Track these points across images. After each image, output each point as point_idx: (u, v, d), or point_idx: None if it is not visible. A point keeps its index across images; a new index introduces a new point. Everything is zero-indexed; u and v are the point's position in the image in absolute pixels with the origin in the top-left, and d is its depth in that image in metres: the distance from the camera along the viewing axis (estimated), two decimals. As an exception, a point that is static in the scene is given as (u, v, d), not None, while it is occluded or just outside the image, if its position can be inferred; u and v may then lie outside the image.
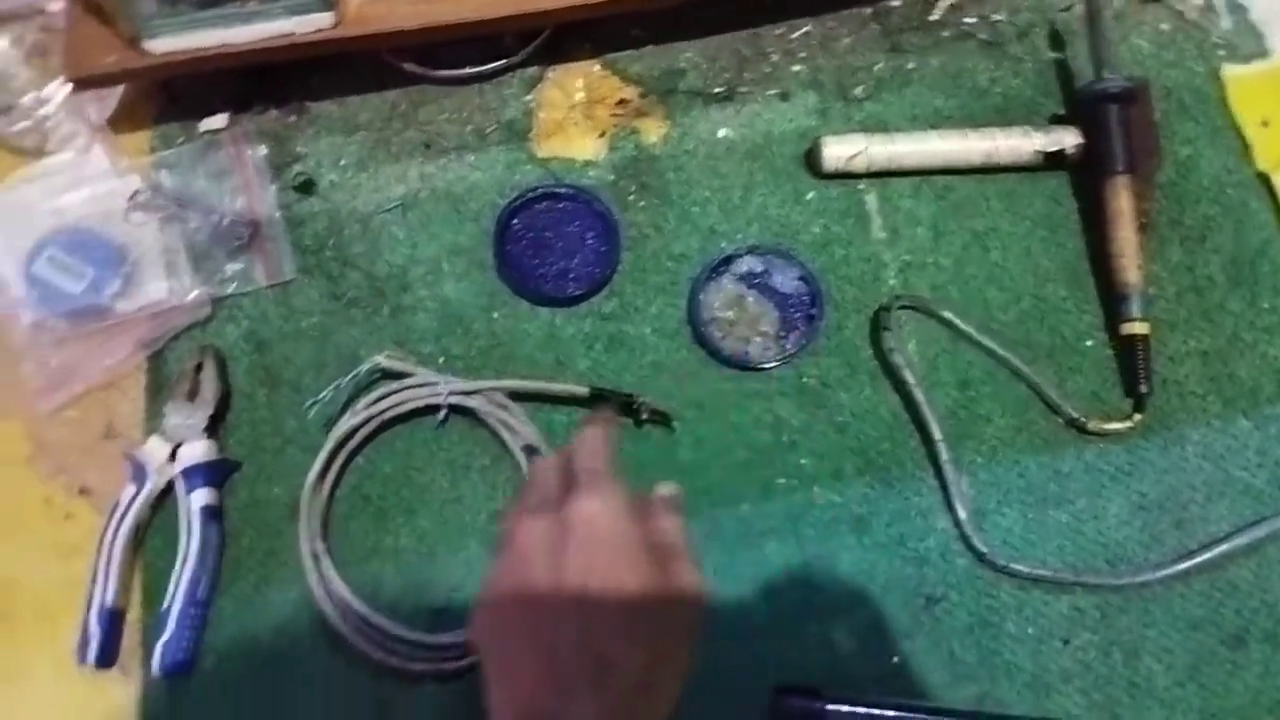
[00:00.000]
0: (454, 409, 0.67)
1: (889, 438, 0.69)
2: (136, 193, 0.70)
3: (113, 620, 0.62)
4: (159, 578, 0.64)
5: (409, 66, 0.75)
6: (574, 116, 0.76)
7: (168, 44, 0.68)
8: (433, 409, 0.67)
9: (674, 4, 0.73)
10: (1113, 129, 0.71)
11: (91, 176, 0.72)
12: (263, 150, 0.73)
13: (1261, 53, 0.77)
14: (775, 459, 0.69)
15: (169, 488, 0.65)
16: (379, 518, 0.67)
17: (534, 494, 0.50)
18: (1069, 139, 0.72)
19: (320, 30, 0.69)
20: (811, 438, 0.69)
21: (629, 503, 0.48)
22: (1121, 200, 0.70)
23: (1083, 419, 0.68)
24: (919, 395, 0.67)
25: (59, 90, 0.73)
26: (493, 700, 0.45)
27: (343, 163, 0.74)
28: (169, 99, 0.75)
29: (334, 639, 0.63)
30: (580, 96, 0.76)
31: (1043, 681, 0.64)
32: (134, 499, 0.63)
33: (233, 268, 0.70)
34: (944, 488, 0.67)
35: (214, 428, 0.67)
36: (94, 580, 0.63)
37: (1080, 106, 0.73)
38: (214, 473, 0.65)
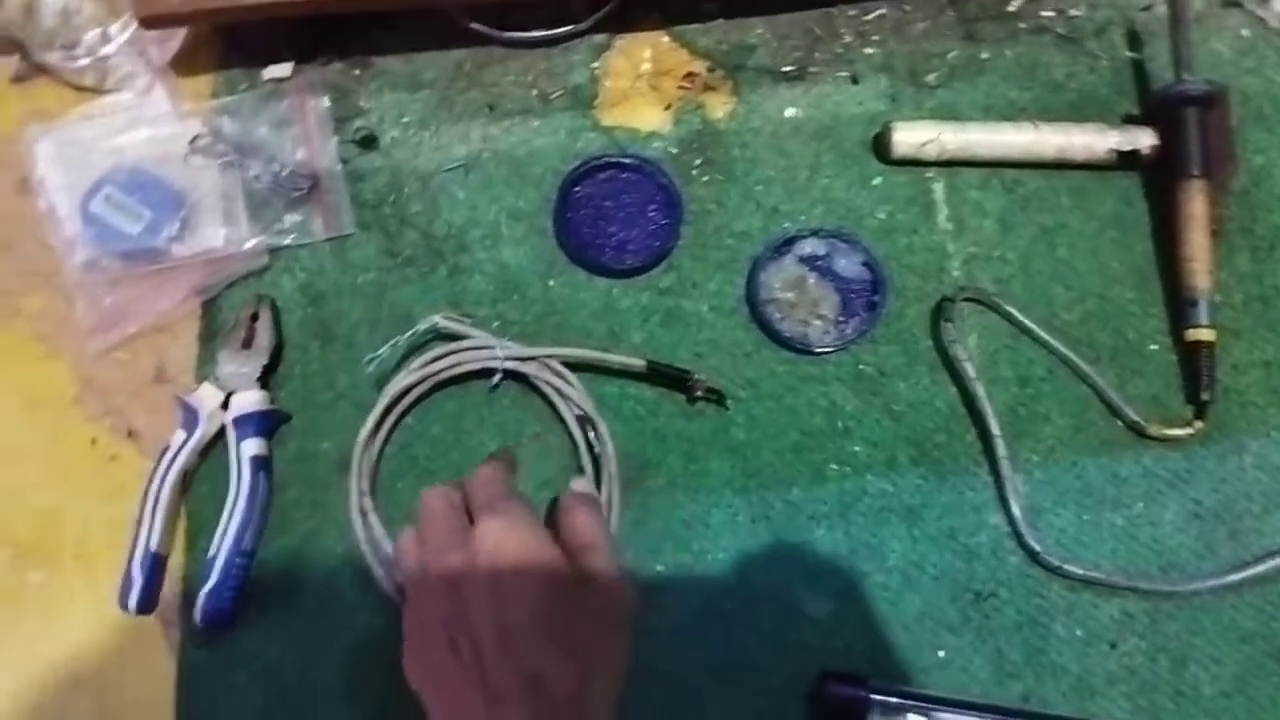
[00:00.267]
0: (508, 374, 0.66)
1: (945, 430, 0.68)
2: (197, 137, 0.69)
3: (155, 566, 0.62)
4: (203, 526, 0.64)
5: (476, 26, 0.74)
6: (640, 87, 0.74)
7: (239, -15, 0.67)
8: (487, 373, 0.66)
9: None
10: (1190, 132, 0.69)
11: (152, 118, 0.71)
12: (325, 102, 0.72)
13: (1343, 65, 0.76)
14: (828, 444, 0.68)
15: (217, 436, 0.65)
16: (426, 478, 0.66)
17: (433, 528, 0.50)
18: (1144, 139, 0.71)
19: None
20: (866, 425, 0.68)
21: (531, 517, 0.49)
22: (1195, 204, 0.69)
23: (1143, 423, 0.67)
24: (978, 389, 0.66)
25: (122, 29, 0.72)
26: (425, 708, 0.46)
27: (405, 119, 0.73)
28: (232, 45, 0.74)
29: (377, 597, 0.62)
30: (647, 67, 0.75)
31: (1088, 684, 0.64)
32: (184, 444, 0.63)
33: (291, 219, 0.69)
34: (999, 484, 0.66)
35: (266, 378, 0.66)
36: (138, 524, 0.62)
37: (1158, 107, 0.72)
38: (265, 423, 0.64)
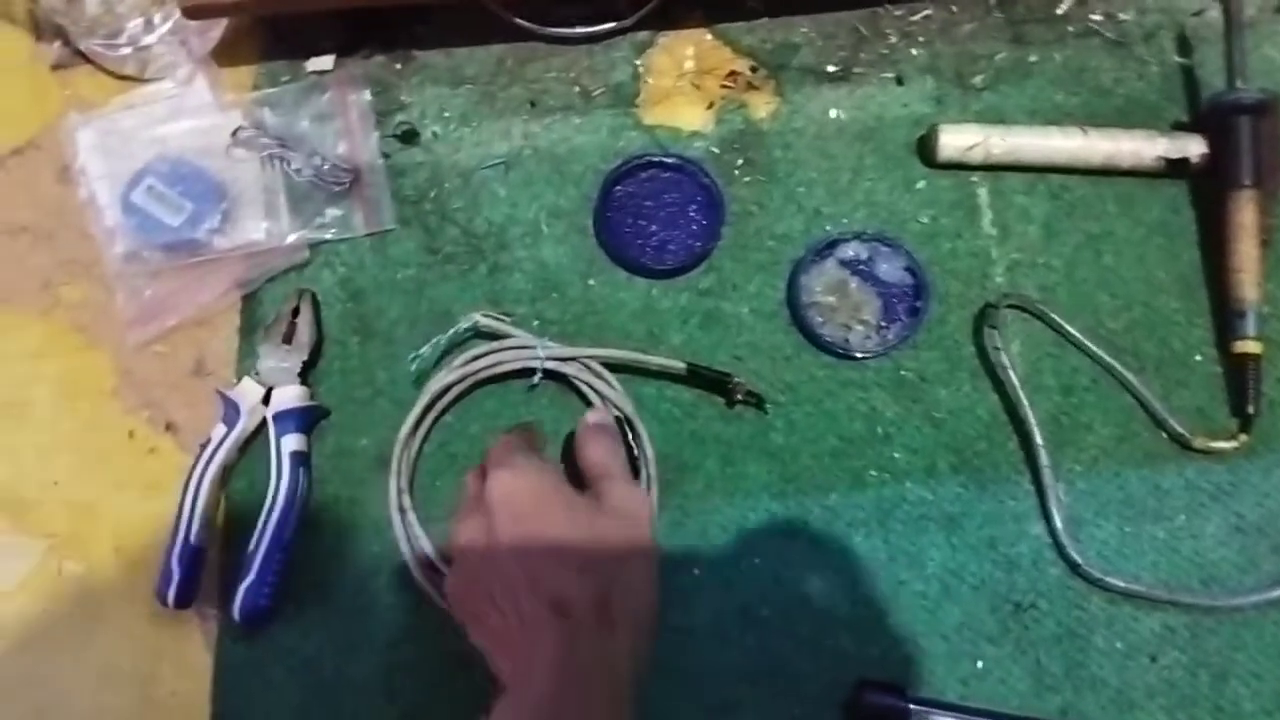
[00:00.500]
0: (547, 374, 0.66)
1: (986, 438, 0.67)
2: (239, 129, 0.69)
3: (194, 560, 0.62)
4: (242, 520, 0.64)
5: (519, 21, 0.73)
6: (682, 85, 0.74)
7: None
8: (526, 372, 0.66)
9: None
10: (1242, 141, 0.68)
11: (193, 108, 0.71)
12: (367, 96, 0.72)
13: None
14: (868, 450, 0.67)
15: (256, 430, 0.64)
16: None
17: (463, 502, 0.55)
18: (1194, 147, 0.70)
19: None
20: (906, 432, 0.68)
21: (538, 463, 0.54)
22: (1245, 214, 0.68)
23: (1187, 435, 0.66)
24: (1021, 397, 0.66)
25: (165, 18, 0.71)
26: (493, 669, 0.51)
27: (447, 114, 0.72)
28: (274, 37, 0.74)
29: (414, 594, 0.62)
30: (690, 65, 0.74)
31: (1127, 698, 0.63)
32: (225, 438, 0.62)
33: (332, 213, 0.69)
34: (1040, 494, 0.66)
35: (305, 373, 0.66)
36: (178, 518, 0.62)
37: (1208, 115, 0.71)
38: (305, 418, 0.64)
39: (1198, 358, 0.69)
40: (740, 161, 0.72)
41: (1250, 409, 0.66)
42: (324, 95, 0.71)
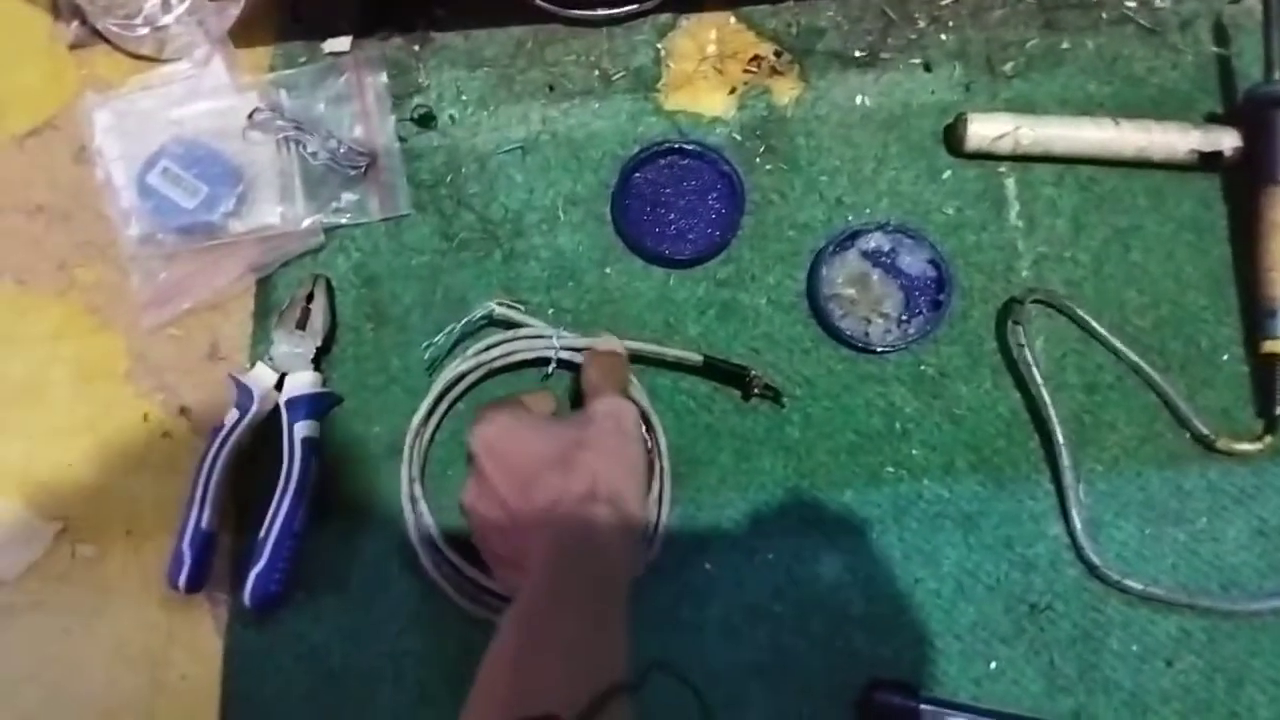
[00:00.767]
0: (561, 363, 0.65)
1: (1006, 435, 0.66)
2: (256, 111, 0.68)
3: (206, 545, 0.62)
4: (253, 506, 0.64)
5: (540, 2, 0.72)
6: (704, 70, 0.72)
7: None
8: (541, 361, 0.65)
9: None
10: (1278, 136, 0.66)
11: (209, 90, 0.70)
12: (384, 78, 0.71)
13: None
14: (885, 447, 0.66)
15: (269, 416, 0.64)
16: (477, 467, 0.65)
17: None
18: (1228, 140, 0.68)
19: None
20: (925, 428, 0.67)
21: (515, 407, 0.58)
22: (1278, 211, 0.66)
23: (1211, 436, 0.65)
24: (1044, 395, 0.65)
25: (182, -3, 0.71)
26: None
27: (464, 98, 0.71)
28: (292, 18, 0.73)
29: (425, 584, 0.62)
30: (712, 49, 0.73)
31: (1141, 701, 0.63)
32: (237, 423, 0.62)
33: (347, 197, 0.68)
34: (1060, 493, 0.65)
35: (318, 359, 0.65)
36: (190, 502, 0.62)
37: (1244, 108, 0.69)
38: (318, 405, 0.64)
39: (1225, 357, 0.68)
40: (762, 149, 0.71)
41: (1277, 410, 0.65)
42: (340, 77, 0.70)
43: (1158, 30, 0.73)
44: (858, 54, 0.72)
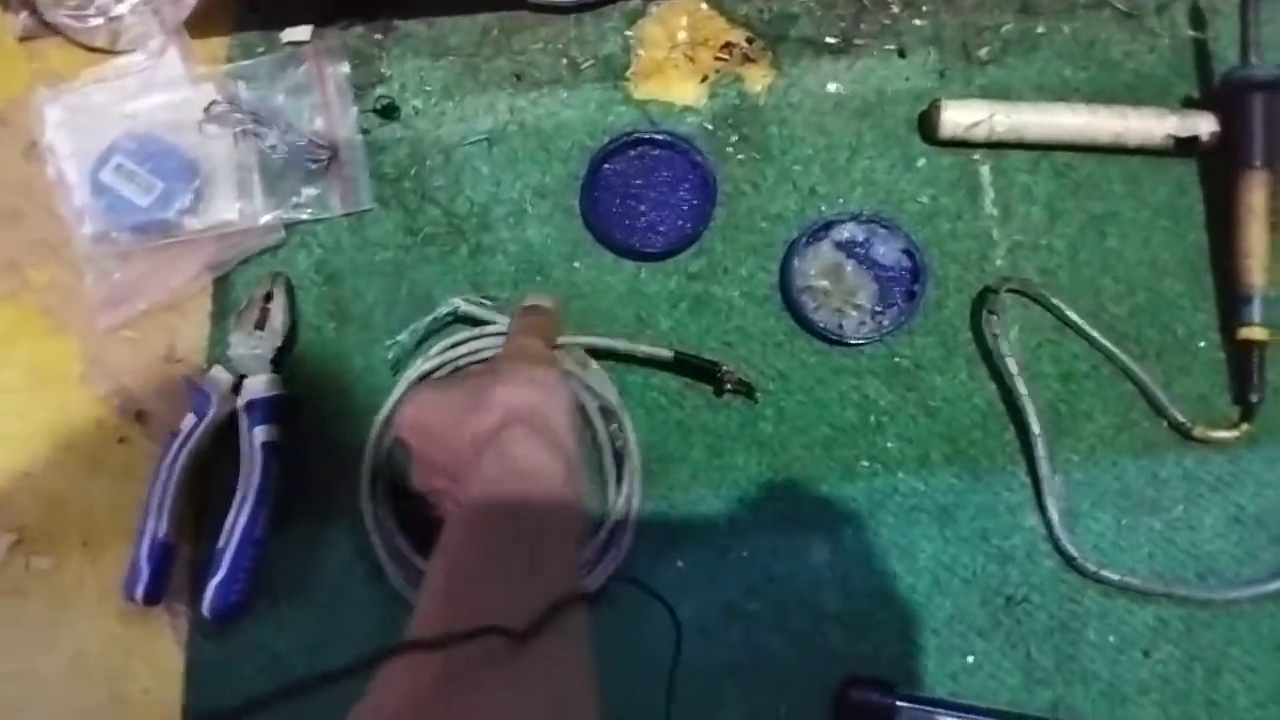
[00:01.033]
0: (530, 360, 0.64)
1: (981, 427, 0.66)
2: (213, 104, 0.66)
3: (163, 555, 0.60)
4: (212, 514, 0.62)
5: (505, -12, 0.70)
6: (675, 57, 0.71)
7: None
8: (508, 359, 0.64)
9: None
10: (1255, 120, 0.66)
11: (164, 82, 0.68)
12: (345, 68, 0.69)
13: None
14: (860, 440, 0.66)
15: (227, 420, 0.62)
16: (444, 467, 0.64)
17: None
18: (1204, 125, 0.67)
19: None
20: (900, 421, 0.66)
21: (436, 385, 0.59)
22: (1255, 197, 0.65)
23: (1188, 424, 0.65)
24: (1019, 385, 0.64)
25: (135, -14, 0.68)
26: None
27: (428, 88, 0.70)
28: (250, 6, 0.70)
29: (388, 589, 0.61)
30: (683, 36, 0.71)
31: (1119, 692, 0.62)
32: (194, 429, 0.61)
33: (308, 192, 0.67)
34: (1036, 484, 0.64)
35: (279, 360, 0.64)
36: (146, 512, 0.60)
37: (1221, 92, 0.68)
38: (278, 408, 0.62)
39: (1201, 344, 0.67)
40: (734, 138, 0.70)
41: (1254, 397, 0.65)
42: (300, 67, 0.68)
43: (1134, 14, 0.72)
44: (831, 40, 0.71)
